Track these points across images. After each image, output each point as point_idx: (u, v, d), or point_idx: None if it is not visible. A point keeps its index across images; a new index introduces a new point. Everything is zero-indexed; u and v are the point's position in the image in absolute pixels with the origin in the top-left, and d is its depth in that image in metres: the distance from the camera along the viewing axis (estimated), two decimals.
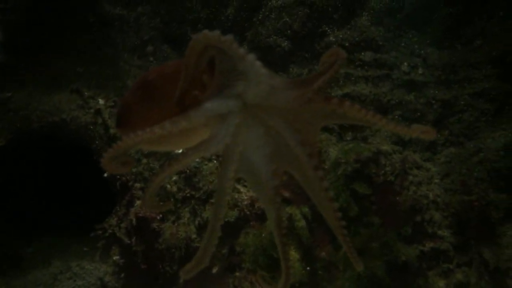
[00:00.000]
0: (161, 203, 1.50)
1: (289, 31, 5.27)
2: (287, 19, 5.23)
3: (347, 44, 5.15)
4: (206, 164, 4.90)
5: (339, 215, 1.25)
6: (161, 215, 4.47)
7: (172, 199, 4.81)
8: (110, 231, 4.40)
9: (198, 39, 1.15)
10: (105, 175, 4.42)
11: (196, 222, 4.76)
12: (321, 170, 1.23)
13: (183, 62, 1.20)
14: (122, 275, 4.61)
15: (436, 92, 5.09)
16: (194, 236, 4.61)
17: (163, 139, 1.25)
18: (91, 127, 4.35)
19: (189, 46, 1.17)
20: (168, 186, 4.78)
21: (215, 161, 4.93)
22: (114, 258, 4.59)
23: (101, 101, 4.44)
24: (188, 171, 4.85)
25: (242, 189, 4.74)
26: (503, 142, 4.72)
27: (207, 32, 1.13)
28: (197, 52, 1.18)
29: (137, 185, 4.56)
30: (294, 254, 4.41)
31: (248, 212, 4.56)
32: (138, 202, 4.44)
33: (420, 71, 5.15)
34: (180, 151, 1.39)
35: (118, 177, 4.42)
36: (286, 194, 4.74)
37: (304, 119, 1.24)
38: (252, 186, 1.34)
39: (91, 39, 4.84)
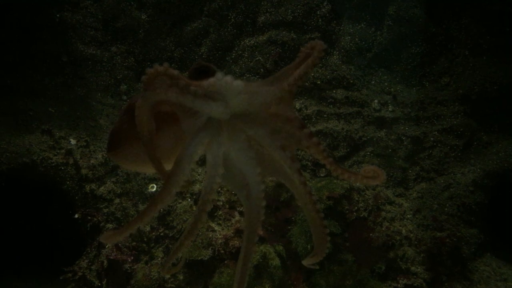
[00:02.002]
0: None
1: (262, 70, 5.36)
2: (260, 58, 5.32)
3: (319, 82, 5.25)
4: (180, 203, 4.87)
5: (322, 215, 1.30)
6: (132, 257, 4.40)
7: (145, 239, 4.76)
8: (80, 273, 4.30)
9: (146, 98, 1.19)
10: (76, 216, 4.36)
11: (170, 263, 4.69)
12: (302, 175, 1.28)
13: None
14: None
15: (406, 128, 5.20)
16: (168, 276, 4.55)
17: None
18: (62, 168, 4.31)
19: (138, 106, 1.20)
20: (141, 225, 4.73)
21: (189, 199, 4.91)
22: None
23: (72, 141, 4.41)
24: (161, 209, 4.82)
25: (216, 228, 4.72)
26: (472, 177, 4.82)
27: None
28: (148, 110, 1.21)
29: (109, 225, 4.50)
30: None
31: (222, 251, 4.53)
32: (109, 244, 4.37)
33: (390, 108, 5.26)
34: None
35: (89, 218, 4.36)
36: (260, 232, 4.73)
37: (283, 128, 1.29)
38: (239, 193, 1.37)
39: (63, 79, 4.85)
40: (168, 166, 1.32)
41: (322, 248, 1.33)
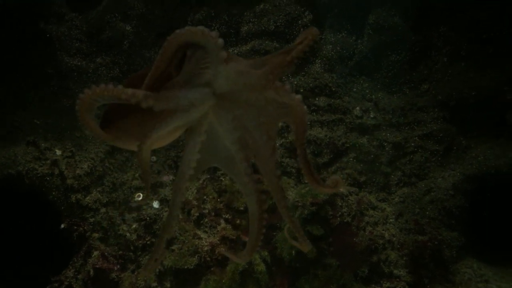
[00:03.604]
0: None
1: None
2: None
3: (302, 90, 5.34)
4: (166, 211, 4.91)
5: (284, 195, 1.39)
6: (119, 266, 4.44)
7: (132, 247, 4.79)
8: (66, 283, 4.32)
9: (182, 33, 1.26)
10: (62, 226, 4.39)
11: (157, 270, 4.73)
12: (276, 156, 1.35)
13: (163, 45, 1.29)
14: None
15: (388, 134, 5.30)
16: (154, 284, 4.58)
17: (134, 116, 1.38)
18: (48, 178, 4.35)
19: (173, 37, 1.27)
20: (128, 234, 4.77)
21: None
22: None
23: (58, 152, 4.45)
24: (148, 218, 4.86)
25: (202, 235, 4.76)
26: (452, 181, 4.91)
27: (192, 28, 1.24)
28: (177, 45, 1.28)
29: (95, 235, 4.53)
30: None
31: (208, 258, 4.57)
32: (95, 253, 4.40)
33: (371, 114, 5.37)
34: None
35: (75, 227, 4.39)
36: (246, 239, 4.78)
37: (268, 110, 1.34)
38: (228, 171, 1.43)
39: (49, 90, 4.90)
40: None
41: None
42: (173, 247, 4.73)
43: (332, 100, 5.37)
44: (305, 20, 5.47)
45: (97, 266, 4.27)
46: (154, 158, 5.21)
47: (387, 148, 5.25)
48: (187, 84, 1.31)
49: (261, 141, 1.34)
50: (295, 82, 5.41)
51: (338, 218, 4.65)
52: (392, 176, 5.19)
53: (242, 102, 1.33)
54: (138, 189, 4.94)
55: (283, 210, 1.39)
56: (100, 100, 1.33)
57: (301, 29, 5.50)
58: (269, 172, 1.37)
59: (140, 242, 4.79)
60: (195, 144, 1.33)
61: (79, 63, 5.20)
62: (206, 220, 4.84)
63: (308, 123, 5.30)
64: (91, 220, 4.53)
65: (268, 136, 1.35)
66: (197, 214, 4.83)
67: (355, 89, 5.53)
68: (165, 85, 1.33)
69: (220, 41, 1.27)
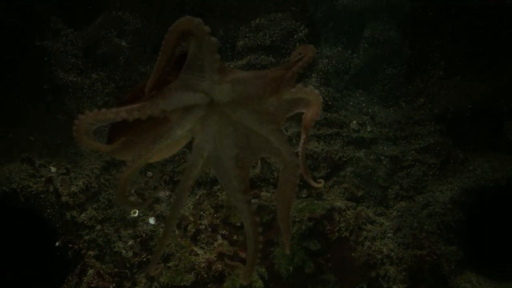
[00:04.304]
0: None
1: None
2: None
3: None
4: (162, 227, 4.87)
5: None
6: (114, 284, 4.39)
7: (128, 265, 4.74)
8: None
9: (182, 21, 1.26)
10: (57, 244, 4.35)
11: (153, 287, 4.69)
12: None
13: (163, 42, 1.30)
14: None
15: (385, 148, 5.29)
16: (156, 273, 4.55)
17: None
18: (42, 196, 4.31)
19: (174, 25, 1.26)
20: (124, 251, 4.72)
21: None
22: None
23: (52, 169, 4.42)
24: (144, 234, 4.81)
25: (199, 252, 4.72)
26: (450, 195, 4.89)
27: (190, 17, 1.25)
28: (177, 33, 1.28)
29: (91, 253, 4.48)
30: None
31: (205, 275, 4.53)
32: (90, 271, 4.35)
33: (368, 128, 5.36)
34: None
35: (70, 245, 4.34)
36: (243, 255, 4.74)
37: (267, 110, 1.35)
38: (221, 179, 1.41)
39: (44, 107, 4.87)
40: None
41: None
42: (169, 264, 4.68)
43: (329, 114, 5.36)
44: (300, 34, 5.48)
45: (92, 285, 4.22)
46: (150, 173, 5.18)
47: (384, 162, 5.23)
48: (183, 88, 1.32)
49: (266, 131, 1.34)
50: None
51: (336, 233, 4.62)
52: (390, 190, 5.17)
53: (240, 110, 1.33)
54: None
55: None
56: (96, 124, 1.33)
57: (297, 43, 5.51)
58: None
59: (136, 259, 4.74)
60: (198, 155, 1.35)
61: (74, 79, 5.18)
62: (203, 236, 4.81)
63: None
64: (86, 237, 4.48)
65: (269, 140, 1.36)
66: (193, 230, 4.80)
67: (351, 103, 5.53)
68: (162, 90, 1.34)
69: (214, 39, 1.29)
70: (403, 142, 5.31)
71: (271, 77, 1.32)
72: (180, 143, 1.42)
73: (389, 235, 4.87)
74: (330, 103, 5.40)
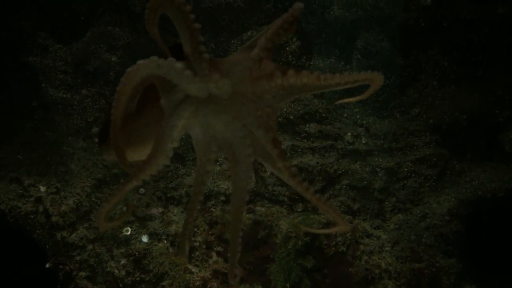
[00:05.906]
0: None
1: None
2: None
3: (291, 117, 5.28)
4: (156, 245, 4.79)
5: (306, 184, 1.29)
6: None
7: (121, 285, 4.64)
8: None
9: (134, 71, 1.21)
10: (47, 265, 4.24)
11: None
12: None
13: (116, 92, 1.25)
14: None
15: (380, 160, 5.24)
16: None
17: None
18: (32, 216, 4.20)
19: (125, 78, 1.22)
20: (116, 271, 4.61)
21: (165, 241, 4.83)
22: None
23: (42, 188, 4.32)
24: (137, 253, 4.71)
25: (193, 269, 4.64)
26: (447, 207, 4.84)
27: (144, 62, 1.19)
28: (134, 84, 1.23)
29: (82, 273, 4.37)
30: None
31: None
32: None
33: (363, 140, 5.31)
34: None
35: (61, 266, 4.23)
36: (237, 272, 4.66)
37: (265, 99, 1.29)
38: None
39: (33, 124, 4.79)
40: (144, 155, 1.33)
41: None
42: (163, 283, 4.59)
43: (323, 126, 5.31)
44: (293, 46, 5.44)
45: None
46: (143, 190, 5.09)
47: (380, 174, 5.18)
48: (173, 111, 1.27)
49: (261, 137, 1.28)
50: (285, 109, 5.35)
51: (333, 248, 4.55)
52: (386, 203, 5.11)
53: (239, 97, 1.29)
54: (127, 223, 4.81)
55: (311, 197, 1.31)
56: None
57: (289, 56, 5.47)
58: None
59: (129, 278, 4.63)
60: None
61: (64, 95, 5.11)
62: (197, 253, 4.74)
63: (299, 150, 5.23)
64: (78, 258, 4.37)
65: (266, 129, 1.28)
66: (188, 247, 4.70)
67: (345, 115, 5.48)
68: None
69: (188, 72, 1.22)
70: (398, 153, 5.26)
71: (261, 41, 1.26)
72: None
73: (386, 248, 4.80)
74: (324, 115, 5.35)
